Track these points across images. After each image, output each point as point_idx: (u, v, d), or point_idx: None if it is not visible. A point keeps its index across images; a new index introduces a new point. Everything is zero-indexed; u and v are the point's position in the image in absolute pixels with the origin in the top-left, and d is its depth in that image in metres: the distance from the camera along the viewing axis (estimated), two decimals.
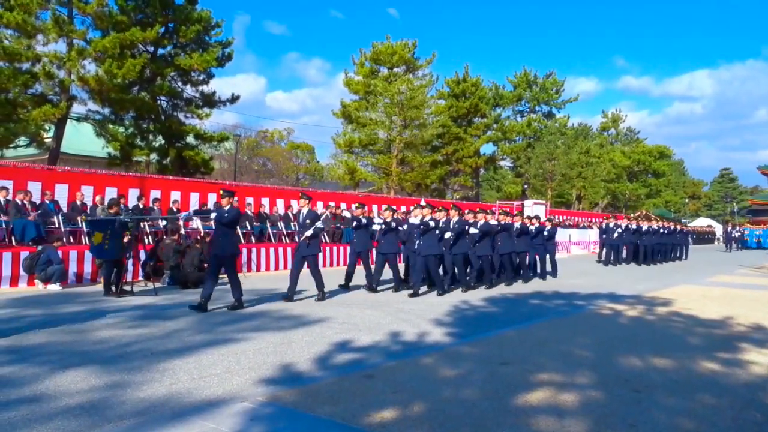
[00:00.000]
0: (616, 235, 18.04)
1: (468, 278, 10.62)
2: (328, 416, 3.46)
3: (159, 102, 21.98)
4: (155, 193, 13.86)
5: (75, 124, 23.58)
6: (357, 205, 10.68)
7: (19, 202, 10.85)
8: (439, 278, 9.82)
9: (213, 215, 7.78)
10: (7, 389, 3.97)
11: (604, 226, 19.16)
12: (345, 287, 10.05)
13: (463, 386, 4.12)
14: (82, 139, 25.63)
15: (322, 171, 50.41)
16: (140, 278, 10.66)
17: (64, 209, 11.96)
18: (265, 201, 16.45)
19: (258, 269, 13.79)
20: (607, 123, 53.05)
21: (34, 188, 11.70)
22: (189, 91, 22.79)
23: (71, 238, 11.72)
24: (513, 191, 41.07)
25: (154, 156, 22.41)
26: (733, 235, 36.21)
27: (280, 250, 14.49)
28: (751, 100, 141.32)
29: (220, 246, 7.69)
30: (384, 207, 11.10)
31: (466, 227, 10.34)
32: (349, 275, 10.13)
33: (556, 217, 28.79)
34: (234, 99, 23.36)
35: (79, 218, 11.53)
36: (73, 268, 10.57)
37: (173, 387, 4.08)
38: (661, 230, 20.25)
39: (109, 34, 18.87)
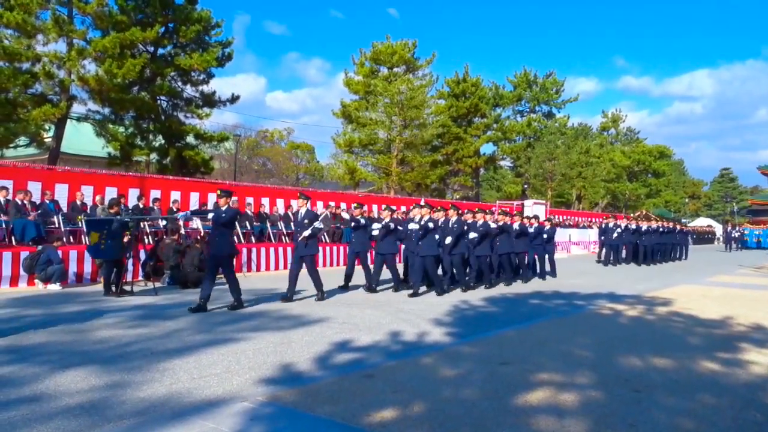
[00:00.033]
0: (615, 235, 18.03)
1: (467, 278, 10.62)
2: (328, 416, 3.46)
3: (159, 102, 21.98)
4: (155, 193, 13.88)
5: (75, 124, 23.59)
6: (356, 205, 10.68)
7: (19, 202, 10.86)
8: (437, 278, 9.81)
9: (210, 215, 7.78)
10: (7, 389, 3.97)
11: (603, 226, 19.14)
12: (344, 288, 10.05)
13: (463, 386, 4.12)
14: (82, 139, 25.63)
15: (322, 171, 50.42)
16: (140, 278, 10.66)
17: (64, 209, 11.96)
18: (265, 201, 16.47)
19: (258, 269, 13.79)
20: (607, 123, 53.08)
21: (34, 188, 11.71)
22: (189, 91, 22.82)
23: (71, 238, 11.72)
24: (513, 191, 41.07)
25: (154, 156, 22.41)
26: (733, 235, 36.20)
27: (280, 250, 14.48)
28: (751, 100, 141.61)
29: (217, 246, 7.70)
30: (383, 207, 11.10)
31: (465, 228, 10.34)
32: (348, 276, 10.13)
33: (556, 217, 28.79)
34: (234, 99, 23.37)
35: (79, 218, 11.53)
36: (73, 268, 10.57)
37: (173, 387, 4.09)
38: (661, 230, 20.25)
39: (109, 34, 18.87)
